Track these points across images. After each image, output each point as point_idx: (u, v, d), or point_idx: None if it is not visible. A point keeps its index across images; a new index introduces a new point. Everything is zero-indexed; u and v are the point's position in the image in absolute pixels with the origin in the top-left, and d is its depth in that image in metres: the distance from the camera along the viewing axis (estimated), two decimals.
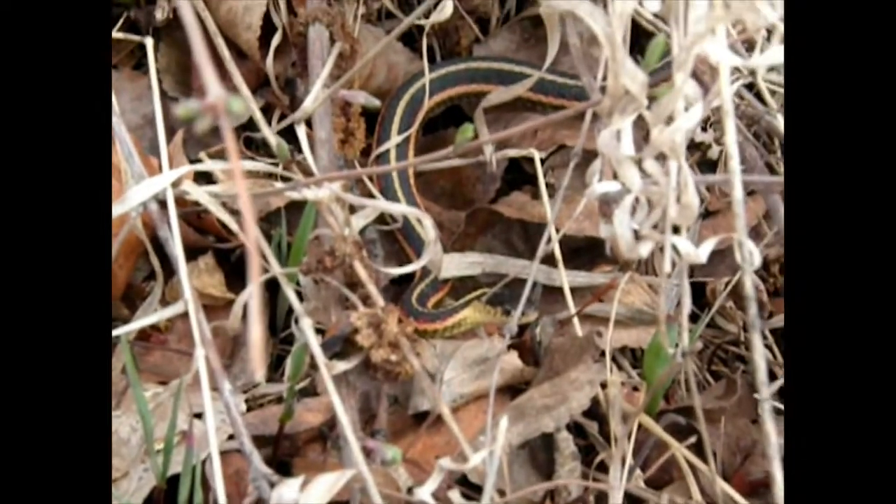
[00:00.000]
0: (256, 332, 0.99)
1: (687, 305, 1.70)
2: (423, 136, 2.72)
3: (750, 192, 2.75)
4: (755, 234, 2.70)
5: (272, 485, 1.86)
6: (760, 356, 1.54)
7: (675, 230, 1.68)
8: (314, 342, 1.90)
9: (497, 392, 2.29)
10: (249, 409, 2.30)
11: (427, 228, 2.07)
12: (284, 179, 2.26)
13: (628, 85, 1.66)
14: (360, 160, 2.54)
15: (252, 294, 0.99)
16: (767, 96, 2.31)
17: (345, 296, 1.99)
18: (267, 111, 2.58)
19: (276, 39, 2.51)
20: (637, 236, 1.72)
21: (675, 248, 1.69)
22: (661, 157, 1.67)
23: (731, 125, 1.59)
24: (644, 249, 1.71)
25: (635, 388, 2.41)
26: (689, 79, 1.58)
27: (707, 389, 2.55)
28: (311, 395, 2.33)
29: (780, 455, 1.51)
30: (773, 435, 1.51)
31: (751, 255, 1.60)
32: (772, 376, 2.49)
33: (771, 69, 2.32)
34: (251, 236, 1.03)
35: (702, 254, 1.68)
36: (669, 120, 1.64)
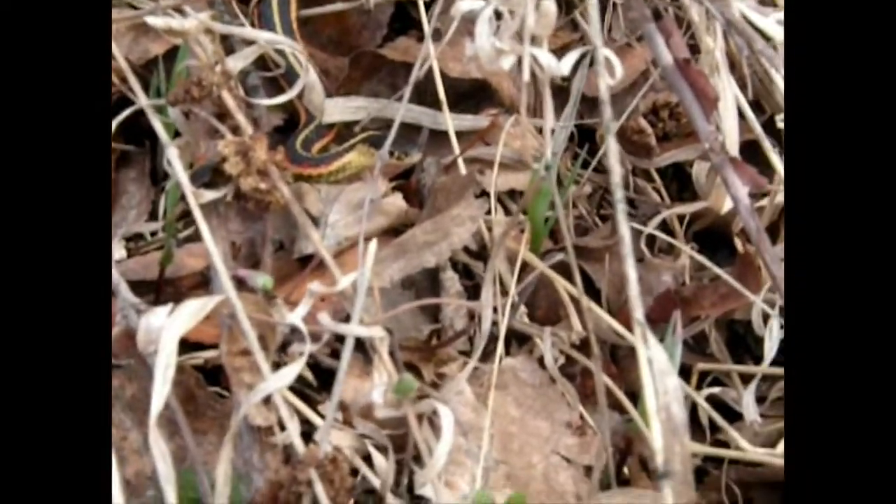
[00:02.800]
0: None
1: (549, 123, 1.69)
2: None
3: (639, 38, 2.75)
4: (644, 78, 2.70)
5: (140, 313, 1.85)
6: (614, 156, 1.53)
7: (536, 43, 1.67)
8: (182, 173, 1.88)
9: (383, 234, 2.30)
10: (131, 256, 2.28)
11: (301, 61, 2.04)
12: None
13: None
14: (240, 8, 2.50)
15: None
16: None
17: (215, 128, 1.96)
18: None
19: None
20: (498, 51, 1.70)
21: (536, 61, 1.68)
22: None
23: None
24: (505, 63, 1.69)
25: (523, 231, 2.40)
26: None
27: (595, 231, 2.55)
28: (195, 241, 2.30)
29: (632, 257, 1.51)
30: (626, 235, 1.51)
31: (607, 60, 1.59)
32: (655, 214, 2.51)
33: None
34: None
35: (563, 66, 1.67)
36: None
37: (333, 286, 1.88)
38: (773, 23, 1.88)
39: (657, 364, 1.50)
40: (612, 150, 1.51)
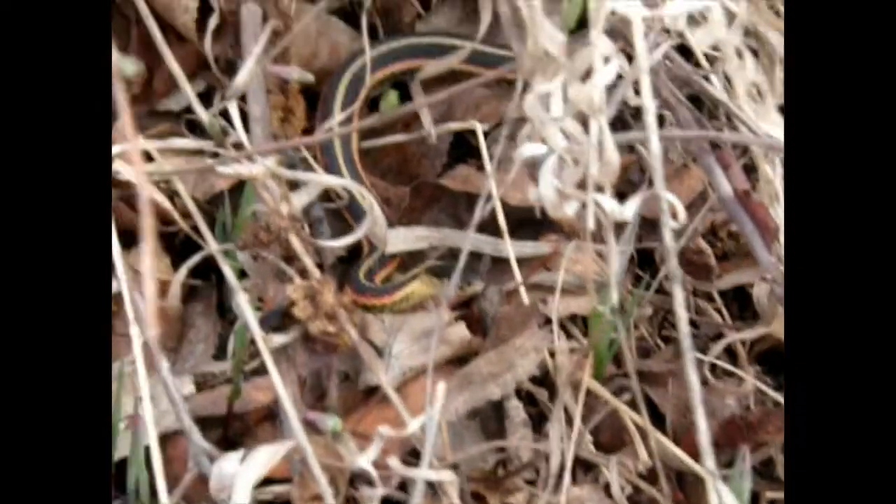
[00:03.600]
0: (150, 283, 1.00)
1: (615, 262, 1.71)
2: (368, 114, 2.73)
3: (695, 159, 2.76)
4: (702, 199, 2.71)
5: (212, 459, 1.87)
6: (681, 306, 1.55)
7: (600, 189, 1.70)
8: (251, 317, 1.92)
9: (446, 364, 2.31)
10: (199, 391, 2.31)
11: (367, 199, 2.08)
12: None
13: (547, 46, 1.67)
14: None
15: (146, 246, 0.99)
16: (701, 58, 2.32)
17: (283, 270, 2.00)
18: (210, 94, 2.58)
19: (213, 21, 2.50)
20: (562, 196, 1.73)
21: (600, 207, 1.70)
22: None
23: (645, 80, 1.60)
24: (569, 208, 1.72)
25: (586, 356, 2.41)
26: (602, 35, 1.59)
27: (657, 354, 2.56)
28: (262, 375, 2.33)
29: (702, 407, 1.52)
30: (695, 382, 1.52)
31: (671, 206, 1.61)
32: (718, 337, 2.51)
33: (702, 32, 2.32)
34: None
35: (626, 211, 1.70)
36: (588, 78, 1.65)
37: (400, 421, 1.90)
38: None
39: None
40: (677, 300, 1.53)
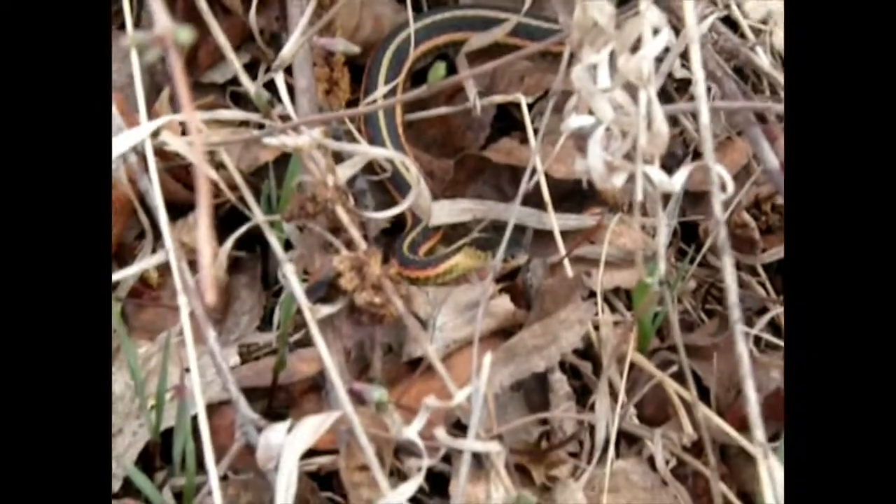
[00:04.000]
0: (206, 252, 1.00)
1: (663, 234, 1.70)
2: (411, 87, 2.73)
3: (739, 132, 2.75)
4: (746, 172, 2.70)
5: (259, 429, 1.88)
6: (731, 277, 1.54)
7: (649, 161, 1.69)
8: (297, 288, 1.92)
9: (490, 336, 2.32)
10: (244, 362, 2.32)
11: (412, 172, 2.08)
12: None
13: (596, 16, 1.66)
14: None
15: (201, 216, 1.00)
16: (747, 30, 2.31)
17: (329, 241, 2.00)
18: (255, 66, 2.59)
19: None
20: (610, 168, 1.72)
21: (649, 179, 1.70)
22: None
23: (696, 50, 1.59)
24: (618, 180, 1.71)
25: (630, 329, 2.41)
26: (651, 5, 1.58)
27: (700, 327, 2.55)
28: (306, 346, 2.34)
29: (752, 378, 1.51)
30: (744, 354, 1.51)
31: (720, 178, 1.60)
32: (763, 311, 2.50)
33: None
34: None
35: (675, 182, 1.69)
36: (636, 49, 1.64)
37: (444, 390, 1.90)
38: None
39: (779, 487, 1.50)
40: (728, 270, 1.52)
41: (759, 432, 1.50)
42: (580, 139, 1.79)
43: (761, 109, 1.89)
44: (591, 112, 1.75)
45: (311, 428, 1.80)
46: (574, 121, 1.77)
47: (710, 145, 1.56)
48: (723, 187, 1.68)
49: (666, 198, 2.60)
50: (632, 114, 1.66)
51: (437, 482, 2.13)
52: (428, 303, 2.36)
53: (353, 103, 2.58)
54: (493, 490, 1.85)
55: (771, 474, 1.51)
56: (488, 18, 2.66)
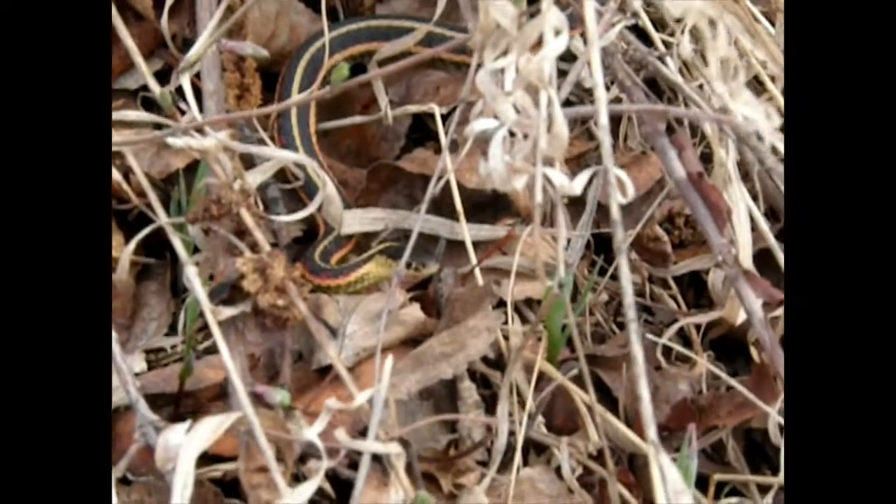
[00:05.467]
0: None
1: (562, 237, 1.71)
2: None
3: (654, 147, 2.77)
4: (660, 187, 2.72)
5: (158, 431, 1.86)
6: (627, 279, 1.55)
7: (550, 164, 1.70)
8: (200, 290, 1.91)
9: (401, 345, 2.32)
10: (151, 369, 2.30)
11: (321, 175, 2.08)
12: None
13: (499, 19, 1.67)
14: (261, 122, 2.54)
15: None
16: (657, 40, 2.33)
17: (234, 244, 1.99)
18: (168, 73, 2.58)
19: None
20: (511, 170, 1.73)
21: (549, 181, 1.70)
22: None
23: (595, 51, 1.60)
24: (518, 183, 1.72)
25: (540, 339, 2.42)
26: (552, 6, 1.59)
27: (611, 338, 2.56)
28: (215, 353, 2.32)
29: (645, 376, 1.52)
30: (639, 355, 1.52)
31: (619, 181, 1.61)
32: (674, 323, 2.52)
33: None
34: None
35: (576, 186, 1.69)
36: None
37: (351, 399, 1.90)
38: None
39: (671, 484, 1.51)
40: (624, 272, 1.53)
41: (651, 430, 1.51)
42: (486, 144, 1.80)
43: (662, 112, 1.91)
44: (495, 116, 1.75)
45: (210, 428, 1.79)
46: (478, 124, 1.78)
47: (607, 146, 1.57)
48: (623, 191, 1.69)
49: (577, 211, 2.63)
50: (533, 116, 1.67)
51: (345, 490, 2.12)
52: (338, 311, 2.35)
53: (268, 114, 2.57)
54: (393, 493, 1.84)
55: (662, 472, 1.51)
56: (403, 28, 2.67)
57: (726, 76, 1.78)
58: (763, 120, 1.71)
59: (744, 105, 1.75)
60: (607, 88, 2.52)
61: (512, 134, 1.75)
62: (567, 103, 1.82)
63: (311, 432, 1.81)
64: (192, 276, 1.90)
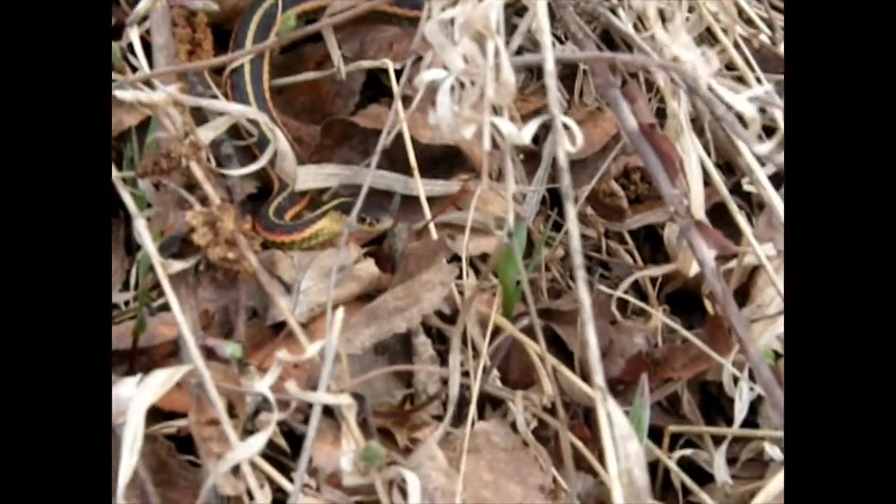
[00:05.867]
0: None
1: (511, 185, 1.71)
2: (279, 54, 2.71)
3: (609, 103, 2.77)
4: (615, 142, 2.72)
5: None
6: (573, 223, 1.55)
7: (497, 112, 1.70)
8: (149, 243, 1.90)
9: (355, 300, 2.31)
10: None
11: (273, 130, 2.07)
12: None
13: None
14: (214, 79, 2.53)
15: None
16: None
17: (184, 198, 1.98)
18: (120, 29, 2.55)
19: None
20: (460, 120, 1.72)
21: (498, 130, 1.70)
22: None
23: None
24: (467, 132, 1.71)
25: (495, 294, 2.42)
26: None
27: (567, 294, 2.57)
28: (168, 310, 2.31)
29: (593, 321, 1.52)
30: (586, 301, 1.53)
31: (566, 129, 1.61)
32: (628, 275, 2.53)
33: None
34: None
35: (525, 135, 1.69)
36: None
37: (302, 355, 1.89)
38: (742, 99, 1.89)
39: (619, 429, 1.51)
40: (570, 217, 1.54)
41: (599, 377, 1.52)
42: (435, 95, 1.80)
43: (609, 59, 1.91)
44: (445, 67, 1.75)
45: (160, 381, 1.79)
46: (428, 75, 1.77)
47: (554, 91, 1.57)
48: (572, 140, 1.68)
49: (532, 165, 2.63)
50: (480, 65, 1.66)
51: (300, 445, 2.12)
52: (293, 267, 2.34)
53: (221, 71, 2.55)
54: (344, 444, 1.85)
55: (609, 418, 1.51)
56: None
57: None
58: (701, 64, 1.71)
59: (681, 47, 1.75)
60: (561, 42, 2.55)
61: (462, 85, 1.74)
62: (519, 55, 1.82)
63: (262, 385, 1.81)
64: (142, 229, 1.90)
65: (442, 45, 1.71)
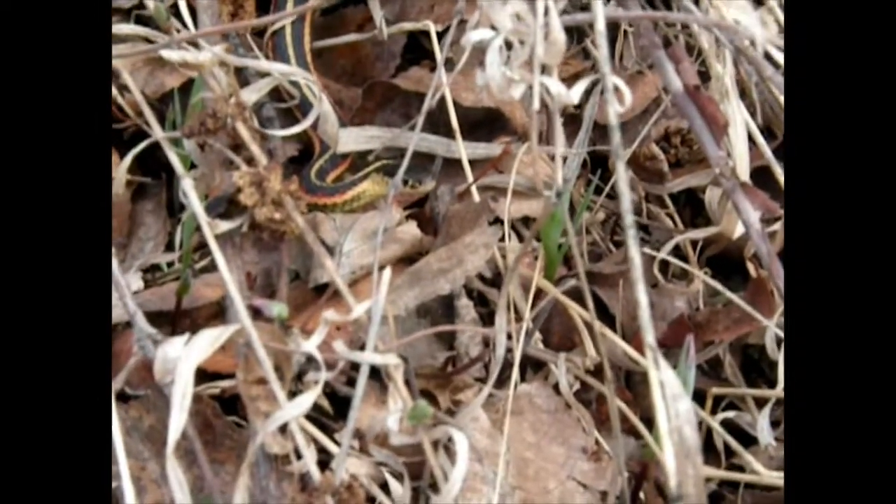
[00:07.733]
0: None
1: (560, 144, 1.70)
2: (320, 16, 2.71)
3: (650, 66, 2.76)
4: (656, 106, 2.71)
5: (156, 344, 1.86)
6: (624, 182, 1.54)
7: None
8: (196, 203, 1.90)
9: (398, 262, 2.31)
10: (148, 287, 2.30)
11: (315, 91, 2.06)
12: None
13: None
14: (254, 41, 2.52)
15: None
16: None
17: (230, 159, 1.98)
18: None
19: None
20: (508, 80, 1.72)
21: (547, 90, 1.69)
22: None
23: None
24: (516, 91, 1.71)
25: (537, 258, 2.41)
26: None
27: (608, 256, 2.56)
28: (211, 272, 2.32)
29: (643, 281, 1.52)
30: (637, 261, 1.52)
31: (616, 88, 1.60)
32: (669, 240, 2.52)
33: None
34: None
35: (573, 95, 1.69)
36: None
37: (348, 315, 1.90)
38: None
39: (669, 388, 1.51)
40: (621, 176, 1.53)
41: (650, 335, 1.51)
42: (482, 54, 1.79)
43: (659, 18, 1.90)
44: (492, 26, 1.74)
45: (208, 340, 1.79)
46: (475, 34, 1.77)
47: (605, 51, 1.56)
48: (621, 100, 1.68)
49: (574, 128, 2.62)
50: (530, 24, 1.66)
51: (342, 407, 2.13)
52: (335, 229, 2.34)
53: (262, 32, 2.55)
54: (391, 403, 1.85)
55: (661, 382, 1.51)
56: None
57: None
58: (758, 27, 1.70)
59: (738, 11, 1.74)
60: (605, 2, 2.53)
61: (508, 46, 1.74)
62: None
63: (309, 344, 1.81)
64: (188, 189, 1.90)
65: (491, 4, 1.70)
